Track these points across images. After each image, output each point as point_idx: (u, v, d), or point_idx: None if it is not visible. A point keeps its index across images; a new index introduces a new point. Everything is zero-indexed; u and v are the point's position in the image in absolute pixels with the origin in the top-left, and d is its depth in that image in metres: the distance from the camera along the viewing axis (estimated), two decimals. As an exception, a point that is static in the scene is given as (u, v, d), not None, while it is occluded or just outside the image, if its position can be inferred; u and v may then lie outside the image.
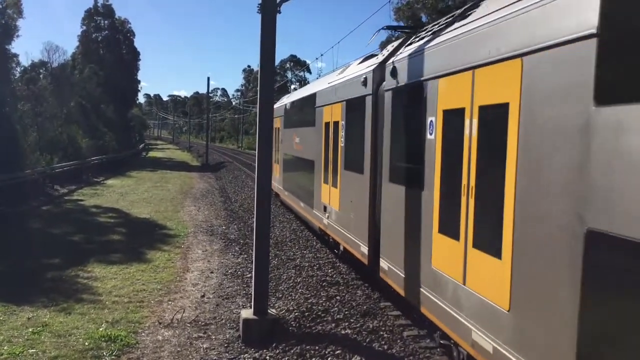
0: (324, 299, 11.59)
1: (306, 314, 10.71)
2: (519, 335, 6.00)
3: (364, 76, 12.12)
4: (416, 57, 9.28)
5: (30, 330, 10.01)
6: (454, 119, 7.72)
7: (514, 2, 6.45)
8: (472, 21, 7.60)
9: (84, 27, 67.58)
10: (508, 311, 6.19)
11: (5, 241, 17.59)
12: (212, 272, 14.52)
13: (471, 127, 7.19)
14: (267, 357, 8.96)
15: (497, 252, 6.45)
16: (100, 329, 10.10)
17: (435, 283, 8.23)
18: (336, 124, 14.45)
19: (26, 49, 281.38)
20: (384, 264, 10.70)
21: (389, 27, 14.23)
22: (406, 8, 39.21)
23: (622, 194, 4.53)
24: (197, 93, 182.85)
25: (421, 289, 8.71)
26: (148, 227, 20.92)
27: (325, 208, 15.55)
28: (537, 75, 5.79)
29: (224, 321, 10.81)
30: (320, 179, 16.13)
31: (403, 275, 9.62)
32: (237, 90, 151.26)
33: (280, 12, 10.16)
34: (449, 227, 7.75)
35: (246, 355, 9.18)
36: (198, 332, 10.25)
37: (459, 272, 7.42)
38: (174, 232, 19.90)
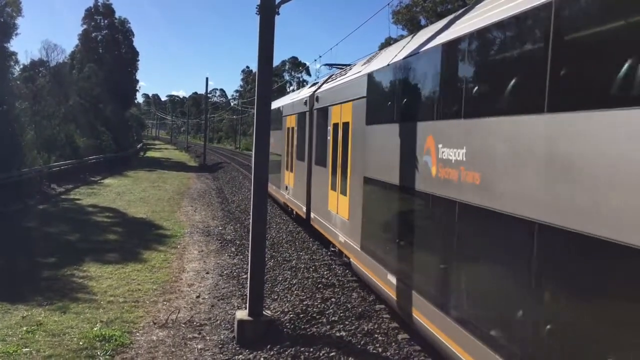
0: (319, 301, 11.58)
1: (301, 315, 10.70)
2: (349, 230, 12.45)
3: (305, 100, 18.61)
4: (324, 92, 16.23)
5: (25, 329, 9.99)
6: (336, 128, 14.06)
7: (349, 74, 13.85)
8: (344, 78, 14.37)
9: (84, 26, 67.53)
10: (348, 219, 12.61)
11: (1, 240, 17.55)
12: (207, 273, 14.51)
13: (341, 132, 13.43)
14: (262, 359, 8.96)
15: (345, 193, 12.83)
16: (95, 329, 10.08)
17: (328, 217, 14.76)
18: (292, 128, 20.95)
19: (25, 47, 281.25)
20: (312, 215, 17.29)
21: (327, 64, 21.91)
22: (405, 11, 39.27)
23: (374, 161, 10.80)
24: (195, 93, 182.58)
25: (323, 222, 15.47)
26: (144, 227, 20.90)
27: (287, 187, 22.00)
28: (356, 110, 12.11)
29: (218, 322, 10.80)
30: (284, 168, 22.47)
31: (318, 218, 16.32)
32: (236, 91, 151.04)
33: (278, 14, 10.16)
34: (333, 187, 14.24)
35: (240, 356, 9.18)
36: (193, 332, 10.25)
37: (335, 208, 13.94)
38: (170, 232, 19.89)
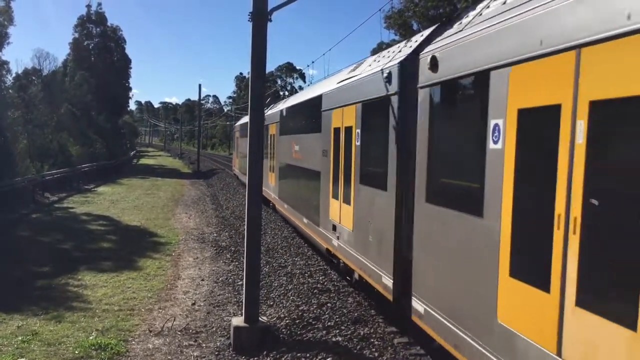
0: (315, 306, 11.59)
1: (297, 321, 10.71)
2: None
3: (278, 112, 22.94)
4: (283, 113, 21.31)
5: (20, 338, 9.95)
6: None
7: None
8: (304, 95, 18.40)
9: (76, 34, 67.48)
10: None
11: (-5, 249, 17.49)
12: (203, 280, 14.49)
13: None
14: (258, 365, 8.95)
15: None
16: (91, 338, 10.05)
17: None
18: (272, 136, 23.78)
19: (17, 56, 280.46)
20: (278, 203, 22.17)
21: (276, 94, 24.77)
22: (397, 16, 39.41)
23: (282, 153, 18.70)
24: (188, 100, 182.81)
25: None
26: (139, 235, 20.86)
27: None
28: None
29: (214, 329, 10.79)
30: (267, 168, 24.66)
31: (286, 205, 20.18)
32: (229, 97, 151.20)
33: (271, 20, 10.19)
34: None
35: (237, 363, 9.17)
36: (189, 340, 10.22)
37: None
38: (165, 240, 19.85)
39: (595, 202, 4.73)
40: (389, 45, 23.74)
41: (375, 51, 26.84)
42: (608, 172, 4.70)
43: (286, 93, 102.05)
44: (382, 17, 38.43)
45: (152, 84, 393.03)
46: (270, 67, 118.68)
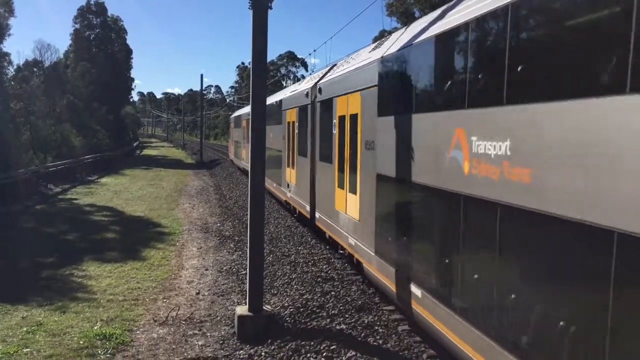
0: (318, 295, 11.60)
1: (301, 309, 10.72)
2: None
3: (246, 113, 27.61)
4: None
5: (25, 329, 9.99)
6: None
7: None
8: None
9: (77, 25, 67.26)
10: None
11: (0, 241, 17.55)
12: (207, 269, 14.51)
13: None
14: (262, 354, 8.96)
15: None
16: (95, 328, 10.08)
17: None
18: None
19: (18, 47, 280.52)
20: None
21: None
22: (398, 4, 39.20)
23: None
24: (191, 90, 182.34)
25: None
26: (142, 225, 20.88)
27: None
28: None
29: (219, 318, 10.81)
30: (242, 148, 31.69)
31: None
32: (232, 87, 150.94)
33: (271, 8, 10.14)
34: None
35: (241, 351, 9.19)
36: (193, 329, 10.25)
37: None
38: (168, 230, 19.88)
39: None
40: (390, 33, 23.67)
41: (376, 39, 26.70)
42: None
43: (289, 82, 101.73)
44: (384, 5, 38.24)
45: (155, 74, 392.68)
46: (272, 55, 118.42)
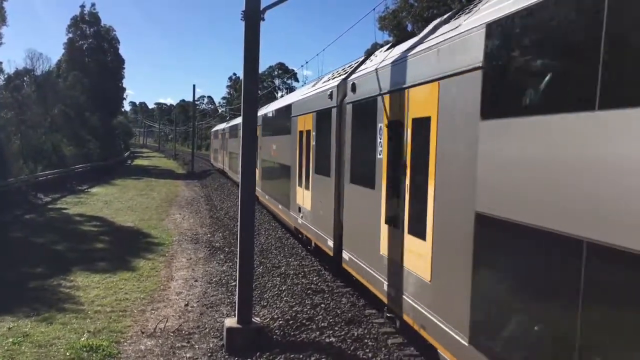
0: (308, 307, 11.55)
1: (291, 322, 10.66)
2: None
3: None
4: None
5: (11, 340, 9.87)
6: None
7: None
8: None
9: (70, 35, 67.25)
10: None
11: (-13, 250, 17.37)
12: (196, 281, 14.42)
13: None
14: (251, 366, 8.90)
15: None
16: (82, 339, 9.98)
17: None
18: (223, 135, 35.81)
19: (9, 56, 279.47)
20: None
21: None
22: (391, 17, 39.37)
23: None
24: (183, 101, 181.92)
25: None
26: (132, 236, 20.76)
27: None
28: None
29: (207, 330, 10.72)
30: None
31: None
32: (224, 98, 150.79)
33: (264, 20, 10.14)
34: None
35: (230, 364, 9.11)
36: (181, 341, 10.16)
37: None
38: (158, 241, 19.77)
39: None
40: (381, 46, 23.78)
41: (369, 52, 26.90)
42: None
43: (284, 93, 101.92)
44: (376, 18, 38.39)
45: (147, 84, 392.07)
46: (262, 67, 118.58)
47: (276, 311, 11.42)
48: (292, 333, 10.18)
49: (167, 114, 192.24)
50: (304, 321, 10.70)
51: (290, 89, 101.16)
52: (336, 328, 10.37)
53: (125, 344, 9.98)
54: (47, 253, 17.53)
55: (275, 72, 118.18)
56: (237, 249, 10.85)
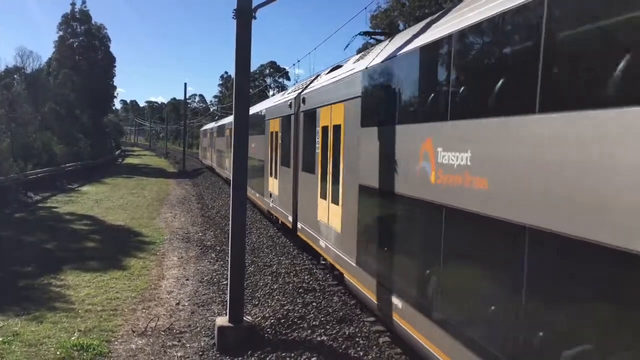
0: (300, 306, 11.55)
1: (282, 320, 10.66)
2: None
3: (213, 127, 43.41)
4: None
5: (1, 339, 9.82)
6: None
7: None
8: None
9: (60, 33, 66.89)
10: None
11: (-24, 249, 17.27)
12: (187, 280, 14.40)
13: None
14: (242, 365, 8.89)
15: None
16: (73, 338, 9.94)
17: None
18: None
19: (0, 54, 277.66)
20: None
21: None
22: (383, 16, 39.38)
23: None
24: (174, 99, 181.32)
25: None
26: (123, 235, 20.69)
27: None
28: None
29: (199, 329, 10.71)
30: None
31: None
32: (215, 97, 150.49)
33: (255, 18, 10.13)
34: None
35: (221, 363, 9.10)
36: (172, 340, 10.14)
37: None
38: (149, 239, 19.71)
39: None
40: (373, 46, 23.83)
41: (360, 51, 27.04)
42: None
43: (275, 92, 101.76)
44: (368, 17, 38.40)
45: (138, 83, 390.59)
46: (254, 65, 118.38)
47: (268, 310, 11.41)
48: (283, 332, 10.19)
49: (159, 112, 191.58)
50: (295, 320, 10.70)
51: (282, 88, 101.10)
52: (328, 327, 10.38)
53: (116, 343, 9.96)
54: (37, 252, 17.44)
55: (267, 71, 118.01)
56: (228, 247, 10.84)
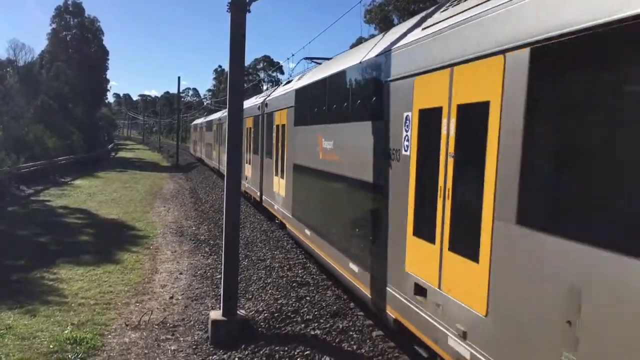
0: (293, 300, 11.55)
1: (276, 314, 10.66)
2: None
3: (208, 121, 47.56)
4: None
5: (-7, 333, 9.79)
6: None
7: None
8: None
9: (54, 26, 66.61)
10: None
11: (-31, 242, 17.19)
12: (181, 274, 14.39)
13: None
14: (236, 359, 8.90)
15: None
16: (66, 332, 9.92)
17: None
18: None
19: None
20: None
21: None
22: (377, 10, 39.38)
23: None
24: (167, 93, 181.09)
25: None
26: (116, 228, 20.65)
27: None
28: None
29: (192, 323, 10.71)
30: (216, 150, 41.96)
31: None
32: (209, 91, 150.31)
33: (249, 11, 10.09)
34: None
35: (214, 357, 9.11)
36: (166, 334, 10.14)
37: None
38: (142, 233, 19.68)
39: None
40: (367, 40, 23.90)
41: (353, 45, 27.16)
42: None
43: (269, 86, 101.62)
44: (363, 12, 38.40)
45: (131, 76, 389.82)
46: (248, 59, 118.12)
47: (261, 304, 11.42)
48: (277, 326, 10.19)
49: (152, 106, 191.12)
50: (289, 314, 10.70)
51: (276, 82, 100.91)
52: (321, 321, 10.39)
53: (109, 336, 9.95)
54: (30, 245, 17.40)
55: (261, 65, 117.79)
56: (222, 241, 10.83)
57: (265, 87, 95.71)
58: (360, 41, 37.43)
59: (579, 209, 4.67)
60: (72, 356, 8.95)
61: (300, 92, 15.15)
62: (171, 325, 10.54)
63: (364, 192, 9.64)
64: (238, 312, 10.17)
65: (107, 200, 28.32)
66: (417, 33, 7.95)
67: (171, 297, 12.34)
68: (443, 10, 7.55)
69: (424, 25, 7.91)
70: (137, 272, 14.38)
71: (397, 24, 16.76)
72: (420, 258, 7.39)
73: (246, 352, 9.05)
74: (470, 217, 6.06)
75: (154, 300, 12.16)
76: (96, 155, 57.80)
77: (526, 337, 5.13)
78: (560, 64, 4.96)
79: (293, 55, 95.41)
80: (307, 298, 11.70)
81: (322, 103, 12.61)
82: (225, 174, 10.50)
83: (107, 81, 76.49)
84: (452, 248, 6.57)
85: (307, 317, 10.57)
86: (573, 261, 4.53)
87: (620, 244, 4.12)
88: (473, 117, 6.23)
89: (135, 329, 10.28)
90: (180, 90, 74.96)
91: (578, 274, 4.49)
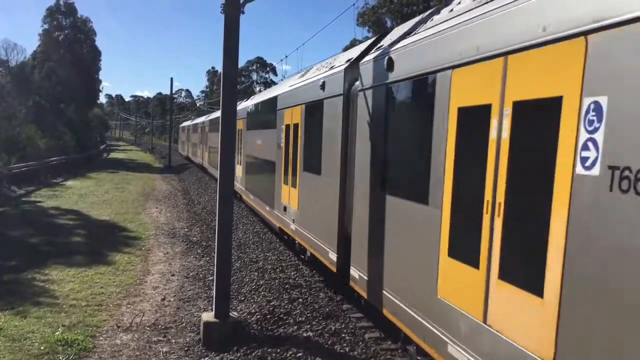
0: (286, 302, 11.54)
1: (268, 316, 10.65)
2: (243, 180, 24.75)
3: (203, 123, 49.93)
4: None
5: (-16, 334, 9.73)
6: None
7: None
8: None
9: (46, 26, 66.34)
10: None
11: (-41, 243, 17.07)
12: (173, 275, 14.34)
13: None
14: (228, 361, 8.87)
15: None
16: (57, 333, 9.87)
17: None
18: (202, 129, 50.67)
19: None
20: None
21: None
22: (370, 13, 39.42)
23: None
24: (160, 94, 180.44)
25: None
26: (108, 229, 20.57)
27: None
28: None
29: (184, 324, 10.68)
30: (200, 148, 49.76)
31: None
32: (202, 92, 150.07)
33: (243, 13, 10.08)
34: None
35: (206, 359, 9.09)
36: (158, 335, 10.10)
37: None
38: (134, 235, 19.61)
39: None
40: (361, 42, 23.93)
41: (347, 48, 27.25)
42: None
43: (262, 88, 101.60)
44: (356, 15, 38.43)
45: (124, 77, 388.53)
46: (241, 61, 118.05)
47: (254, 306, 11.40)
48: (269, 327, 10.18)
49: (144, 107, 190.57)
50: (281, 316, 10.70)
51: (268, 84, 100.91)
52: (314, 322, 10.39)
53: (100, 338, 9.90)
54: (21, 246, 17.29)
55: (254, 67, 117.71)
56: (214, 243, 10.81)
57: (258, 89, 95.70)
58: (353, 44, 37.47)
59: None
60: (63, 358, 8.90)
61: (249, 109, 22.77)
62: (163, 327, 10.50)
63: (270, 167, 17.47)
64: (230, 313, 10.14)
65: (99, 202, 28.21)
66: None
67: (163, 299, 12.30)
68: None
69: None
70: (129, 274, 14.32)
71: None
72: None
73: (238, 354, 9.03)
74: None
75: (145, 301, 12.11)
76: (88, 156, 57.57)
77: None
78: None
79: (286, 57, 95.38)
80: (300, 300, 11.69)
81: (262, 118, 19.64)
82: (217, 175, 10.49)
83: (100, 82, 76.27)
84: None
85: (300, 319, 10.57)
86: None
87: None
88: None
89: (126, 331, 10.24)
90: (173, 91, 74.85)
91: None
